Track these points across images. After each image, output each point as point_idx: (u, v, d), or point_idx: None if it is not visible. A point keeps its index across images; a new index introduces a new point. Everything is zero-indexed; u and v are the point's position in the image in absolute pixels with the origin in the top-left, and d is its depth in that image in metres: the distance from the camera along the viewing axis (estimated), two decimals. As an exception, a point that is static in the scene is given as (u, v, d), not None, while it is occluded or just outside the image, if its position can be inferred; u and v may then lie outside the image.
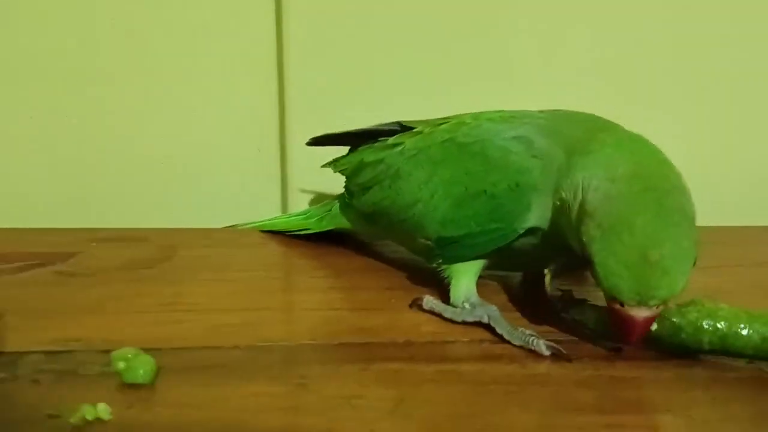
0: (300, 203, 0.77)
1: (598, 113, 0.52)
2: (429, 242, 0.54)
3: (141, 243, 0.67)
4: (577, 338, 0.48)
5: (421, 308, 0.52)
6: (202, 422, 0.38)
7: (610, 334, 0.46)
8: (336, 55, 0.75)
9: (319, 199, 0.76)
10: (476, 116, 0.55)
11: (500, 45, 0.76)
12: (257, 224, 0.71)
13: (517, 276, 0.59)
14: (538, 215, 0.49)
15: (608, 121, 0.51)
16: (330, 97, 0.75)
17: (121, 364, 0.43)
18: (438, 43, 0.75)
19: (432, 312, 0.52)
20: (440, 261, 0.53)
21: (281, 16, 0.74)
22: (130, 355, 0.43)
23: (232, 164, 0.78)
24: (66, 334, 0.48)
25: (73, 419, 0.38)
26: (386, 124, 0.62)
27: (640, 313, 0.42)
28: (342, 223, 0.64)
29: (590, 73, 0.77)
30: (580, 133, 0.49)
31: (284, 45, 0.74)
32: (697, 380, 0.44)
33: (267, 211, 0.77)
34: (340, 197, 0.65)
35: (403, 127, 0.61)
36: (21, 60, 0.74)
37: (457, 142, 0.53)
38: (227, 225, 0.74)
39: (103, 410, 0.38)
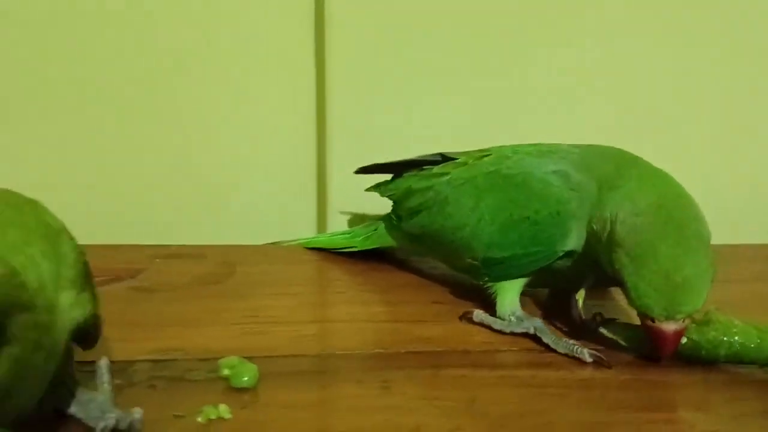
0: (336, 223, 0.84)
1: (616, 144, 0.60)
2: (475, 262, 0.61)
3: (200, 259, 0.73)
4: (609, 348, 0.56)
5: (470, 321, 0.59)
6: (307, 420, 0.45)
7: (641, 349, 0.54)
8: (375, 81, 0.81)
9: (356, 219, 0.83)
10: (515, 150, 0.62)
11: (530, 82, 0.83)
12: (301, 242, 0.78)
13: (543, 292, 0.66)
14: (575, 240, 0.56)
15: (633, 156, 0.58)
16: (368, 123, 0.82)
17: (227, 371, 0.49)
18: (472, 78, 0.82)
19: (481, 324, 0.59)
20: (486, 279, 0.60)
21: (322, 41, 0.80)
22: (235, 363, 0.50)
23: (271, 185, 0.84)
24: (165, 344, 0.54)
25: (200, 418, 0.44)
26: (429, 155, 0.69)
27: (670, 327, 0.50)
28: (387, 242, 0.71)
29: (610, 107, 0.84)
30: (608, 168, 0.57)
31: (326, 71, 0.80)
32: (717, 383, 0.52)
33: (302, 230, 0.83)
34: (385, 218, 0.72)
35: (444, 158, 0.68)
36: (87, 88, 0.80)
37: (502, 174, 0.60)
38: (269, 242, 0.80)
39: (224, 410, 0.45)
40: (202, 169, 0.83)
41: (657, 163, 0.57)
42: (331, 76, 0.80)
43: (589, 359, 0.53)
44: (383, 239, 0.72)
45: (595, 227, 0.54)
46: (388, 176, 0.73)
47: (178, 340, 0.55)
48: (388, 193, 0.70)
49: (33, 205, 0.41)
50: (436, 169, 0.66)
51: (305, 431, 0.44)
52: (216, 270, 0.70)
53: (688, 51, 0.85)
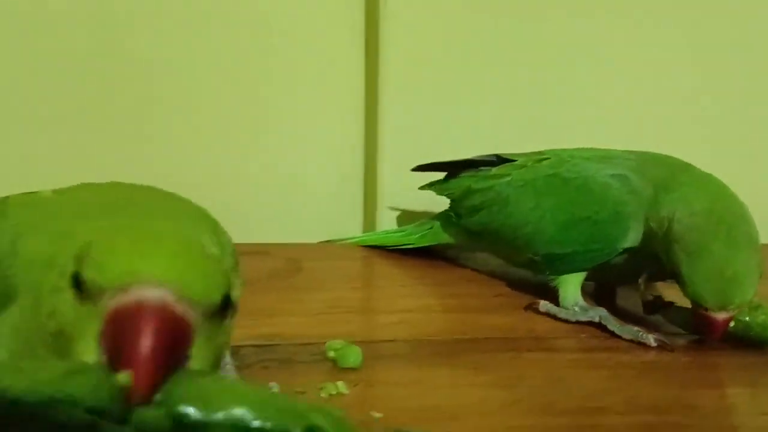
0: (383, 221, 0.89)
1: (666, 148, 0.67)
2: (536, 257, 0.66)
3: (265, 256, 0.78)
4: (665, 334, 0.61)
5: (536, 311, 0.65)
6: (413, 396, 0.50)
7: (695, 331, 0.60)
8: (425, 80, 0.87)
9: (404, 217, 0.88)
10: (572, 155, 0.68)
11: (581, 85, 0.89)
12: (355, 240, 0.83)
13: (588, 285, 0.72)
14: (632, 238, 0.62)
15: (684, 162, 0.64)
16: (417, 122, 0.87)
17: (333, 353, 0.54)
18: (521, 79, 0.88)
19: (547, 314, 0.64)
20: (548, 273, 0.66)
21: (375, 39, 0.84)
22: (340, 345, 0.55)
23: (321, 185, 0.89)
24: (265, 331, 0.58)
25: (323, 393, 0.49)
26: (485, 156, 0.75)
27: (720, 315, 0.56)
28: (444, 239, 0.77)
29: (661, 110, 0.91)
30: (663, 173, 0.63)
31: (378, 70, 0.85)
32: (763, 363, 0.58)
33: (350, 229, 0.88)
34: (440, 216, 0.77)
35: (500, 158, 0.73)
36: (150, 89, 0.84)
37: (562, 177, 0.66)
38: (321, 240, 0.85)
39: (342, 386, 0.50)
40: (249, 168, 0.87)
41: (706, 166, 0.63)
42: (383, 75, 0.85)
43: (654, 343, 0.58)
44: (439, 236, 0.77)
45: (653, 225, 0.60)
46: (438, 175, 0.79)
47: (274, 328, 0.59)
48: (446, 192, 0.76)
49: (188, 200, 0.46)
50: (494, 170, 0.72)
51: (415, 406, 0.49)
52: (284, 266, 0.75)
53: (733, 51, 0.91)
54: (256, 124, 0.87)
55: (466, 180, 0.74)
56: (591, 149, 0.69)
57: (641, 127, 0.89)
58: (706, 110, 0.93)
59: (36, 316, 0.35)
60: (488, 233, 0.71)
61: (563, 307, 0.64)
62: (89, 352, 0.31)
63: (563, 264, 0.65)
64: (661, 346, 0.58)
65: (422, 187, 0.80)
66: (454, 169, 0.77)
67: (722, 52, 0.92)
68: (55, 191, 0.44)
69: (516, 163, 0.71)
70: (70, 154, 0.82)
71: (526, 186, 0.68)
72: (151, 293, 0.30)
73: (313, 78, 0.87)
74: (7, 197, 0.44)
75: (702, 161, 0.64)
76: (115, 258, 0.31)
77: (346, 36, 0.86)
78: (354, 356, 0.54)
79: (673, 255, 0.57)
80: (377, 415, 0.47)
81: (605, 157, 0.67)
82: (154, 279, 0.31)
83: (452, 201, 0.75)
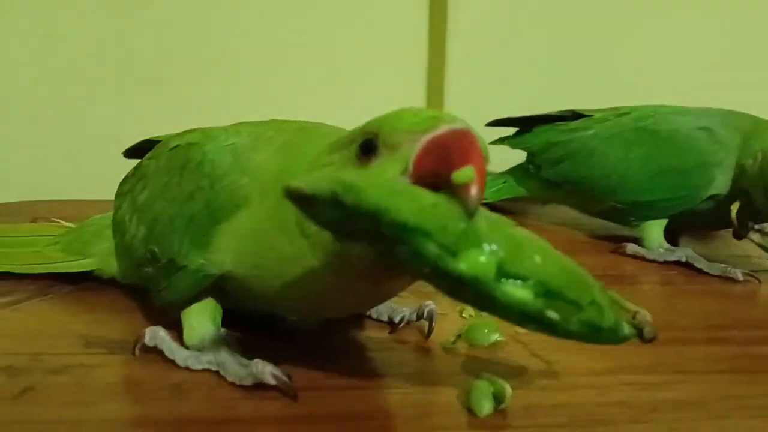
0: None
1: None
2: (620, 205, 0.71)
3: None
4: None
5: (623, 254, 0.70)
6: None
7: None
8: (493, 42, 0.91)
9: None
10: (655, 110, 0.72)
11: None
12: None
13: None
14: (716, 186, 0.67)
15: (760, 118, 0.69)
16: (483, 80, 0.91)
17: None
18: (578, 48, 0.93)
19: (634, 256, 0.69)
20: (632, 219, 0.71)
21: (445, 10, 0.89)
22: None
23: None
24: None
25: (464, 314, 0.54)
26: (560, 111, 0.79)
27: None
28: (519, 192, 0.80)
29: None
30: (748, 123, 0.68)
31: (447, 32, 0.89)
32: None
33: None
34: (514, 170, 0.81)
35: (575, 113, 0.77)
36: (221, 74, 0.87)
37: (649, 130, 0.70)
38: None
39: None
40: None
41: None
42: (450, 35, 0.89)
43: (741, 278, 0.64)
44: (514, 190, 0.81)
45: (744, 163, 0.65)
46: (504, 131, 0.82)
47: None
48: (523, 146, 0.79)
49: None
50: (574, 123, 0.76)
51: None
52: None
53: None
54: (317, 87, 0.90)
55: (544, 134, 0.78)
56: (669, 106, 0.73)
57: (708, 86, 0.92)
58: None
59: (284, 212, 0.39)
60: (570, 184, 0.75)
61: (649, 249, 0.69)
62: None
63: (649, 211, 0.69)
64: (748, 280, 0.63)
65: (494, 142, 0.83)
66: (526, 124, 0.81)
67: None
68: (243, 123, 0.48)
69: (595, 117, 0.75)
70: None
71: (613, 138, 0.72)
72: (460, 124, 0.36)
73: (377, 37, 0.90)
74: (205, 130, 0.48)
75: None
76: (414, 115, 0.36)
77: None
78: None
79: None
80: (523, 330, 0.51)
81: (685, 111, 0.71)
82: (455, 118, 0.36)
83: (530, 154, 0.79)
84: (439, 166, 0.35)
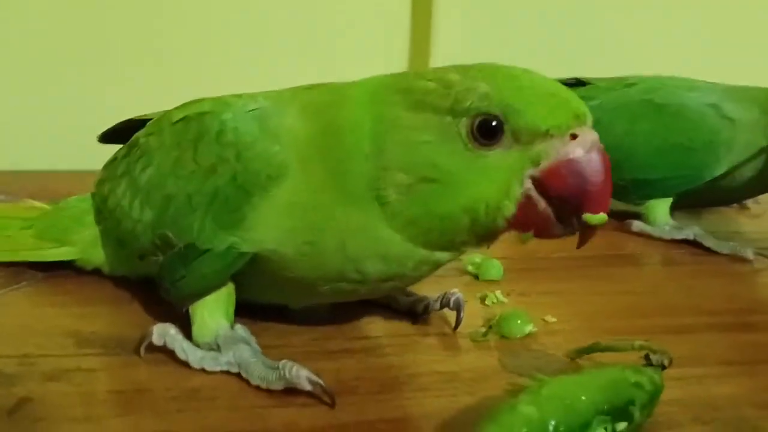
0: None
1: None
2: (624, 182, 0.68)
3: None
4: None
5: (628, 231, 0.67)
6: (570, 303, 0.52)
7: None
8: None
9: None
10: (662, 81, 0.69)
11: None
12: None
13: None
14: (724, 165, 0.64)
15: None
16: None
17: (471, 267, 0.55)
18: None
19: (640, 233, 0.67)
20: (634, 198, 0.68)
21: None
22: (479, 260, 0.55)
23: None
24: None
25: (487, 302, 0.50)
26: (564, 79, 0.74)
27: None
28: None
29: None
30: (763, 95, 0.65)
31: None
32: None
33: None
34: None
35: (579, 81, 0.73)
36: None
37: (656, 103, 0.67)
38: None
39: (500, 295, 0.51)
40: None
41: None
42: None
43: (752, 257, 0.62)
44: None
45: None
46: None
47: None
48: None
49: None
50: (578, 91, 0.71)
51: (577, 311, 0.51)
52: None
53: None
54: (301, 49, 0.85)
55: None
56: (678, 78, 0.70)
57: (714, 58, 0.90)
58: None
59: (340, 180, 0.36)
60: (572, 157, 0.72)
61: (655, 226, 0.67)
62: (504, 196, 0.35)
63: (652, 189, 0.67)
64: (759, 257, 0.62)
65: None
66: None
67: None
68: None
69: (601, 86, 0.71)
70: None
71: (619, 109, 0.68)
72: (593, 136, 0.35)
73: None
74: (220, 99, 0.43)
75: None
76: (545, 102, 0.35)
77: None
78: (495, 269, 0.55)
79: None
80: (552, 319, 0.49)
81: (693, 86, 0.68)
82: (586, 121, 0.36)
83: None
84: (573, 193, 0.35)
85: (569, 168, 0.34)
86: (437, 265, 0.40)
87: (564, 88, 0.37)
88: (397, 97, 0.36)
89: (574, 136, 0.35)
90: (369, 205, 0.37)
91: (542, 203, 0.35)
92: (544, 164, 0.35)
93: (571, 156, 0.34)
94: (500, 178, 0.35)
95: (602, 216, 0.35)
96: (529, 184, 0.35)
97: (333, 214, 0.37)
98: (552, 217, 0.36)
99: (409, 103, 0.36)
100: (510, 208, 0.35)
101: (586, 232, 0.36)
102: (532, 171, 0.35)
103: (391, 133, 0.36)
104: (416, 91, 0.36)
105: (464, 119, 0.35)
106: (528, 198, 0.35)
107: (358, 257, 0.38)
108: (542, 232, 0.37)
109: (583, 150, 0.35)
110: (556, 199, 0.35)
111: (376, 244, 0.37)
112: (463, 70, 0.37)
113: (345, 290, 0.40)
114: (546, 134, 0.34)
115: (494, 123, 0.35)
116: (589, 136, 0.35)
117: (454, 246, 0.38)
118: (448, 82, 0.36)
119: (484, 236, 0.37)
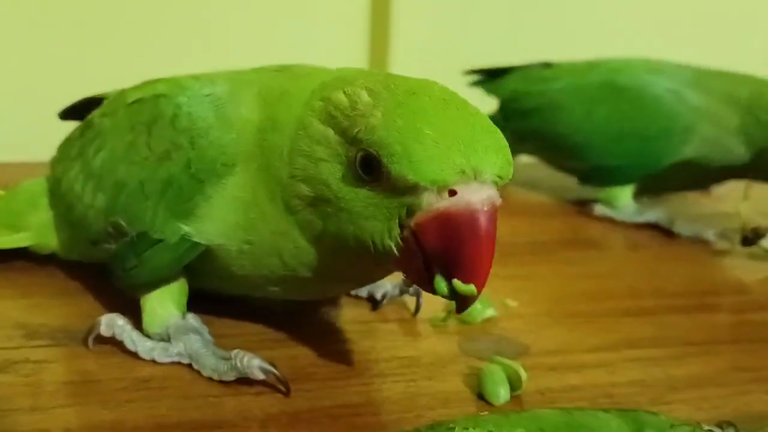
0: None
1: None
2: (584, 167, 0.68)
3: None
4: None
5: (591, 215, 0.67)
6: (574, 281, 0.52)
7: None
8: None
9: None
10: (627, 63, 0.68)
11: None
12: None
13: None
14: (688, 151, 0.63)
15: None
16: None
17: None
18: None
19: (603, 217, 0.66)
20: (596, 183, 0.68)
21: None
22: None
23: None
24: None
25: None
26: (534, 64, 0.73)
27: None
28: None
29: None
30: (747, 90, 0.63)
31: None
32: None
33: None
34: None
35: (548, 66, 0.72)
36: None
37: (615, 86, 0.66)
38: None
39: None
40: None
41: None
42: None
43: (714, 239, 0.62)
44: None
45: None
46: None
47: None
48: (496, 93, 0.73)
49: None
50: (546, 72, 0.70)
51: (539, 295, 0.50)
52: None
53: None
54: (261, 35, 0.83)
55: (515, 82, 0.72)
56: (643, 60, 0.69)
57: (686, 38, 0.90)
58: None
59: (270, 180, 0.35)
60: (537, 138, 0.70)
61: (618, 210, 0.66)
62: (387, 236, 0.32)
63: (608, 175, 0.66)
64: (721, 237, 0.61)
65: (471, 84, 0.75)
66: (503, 74, 0.74)
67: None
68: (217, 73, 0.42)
69: (566, 67, 0.70)
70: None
71: (579, 92, 0.68)
72: (480, 196, 0.31)
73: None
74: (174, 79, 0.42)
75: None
76: (432, 154, 0.31)
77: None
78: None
79: None
80: (513, 303, 0.48)
81: (658, 69, 0.67)
82: (483, 177, 0.31)
83: (501, 102, 0.73)
84: (439, 254, 0.31)
85: (438, 225, 0.31)
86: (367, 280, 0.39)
87: (486, 133, 0.32)
88: (319, 104, 0.34)
89: (453, 193, 0.31)
90: (285, 213, 0.35)
91: (418, 255, 0.32)
92: (418, 216, 0.31)
93: (441, 213, 0.31)
94: (383, 217, 0.32)
95: (471, 287, 0.31)
96: (407, 231, 0.32)
97: (266, 216, 0.36)
98: (423, 272, 0.32)
99: (323, 114, 0.34)
100: (392, 250, 0.32)
101: (458, 299, 0.32)
102: (409, 219, 0.32)
103: (302, 141, 0.34)
104: (330, 102, 0.34)
105: (353, 147, 0.32)
106: (407, 244, 0.32)
107: (291, 263, 0.36)
108: (420, 285, 0.34)
109: (457, 209, 0.31)
110: (429, 255, 0.32)
111: (300, 253, 0.36)
112: (384, 86, 0.33)
113: (293, 290, 0.39)
114: (416, 186, 0.31)
115: (372, 161, 0.32)
116: (473, 195, 0.31)
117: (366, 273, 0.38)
118: (355, 101, 0.33)
119: (388, 269, 0.36)
